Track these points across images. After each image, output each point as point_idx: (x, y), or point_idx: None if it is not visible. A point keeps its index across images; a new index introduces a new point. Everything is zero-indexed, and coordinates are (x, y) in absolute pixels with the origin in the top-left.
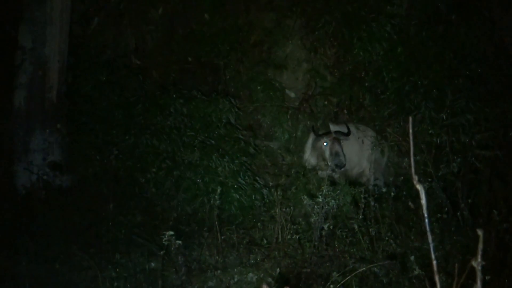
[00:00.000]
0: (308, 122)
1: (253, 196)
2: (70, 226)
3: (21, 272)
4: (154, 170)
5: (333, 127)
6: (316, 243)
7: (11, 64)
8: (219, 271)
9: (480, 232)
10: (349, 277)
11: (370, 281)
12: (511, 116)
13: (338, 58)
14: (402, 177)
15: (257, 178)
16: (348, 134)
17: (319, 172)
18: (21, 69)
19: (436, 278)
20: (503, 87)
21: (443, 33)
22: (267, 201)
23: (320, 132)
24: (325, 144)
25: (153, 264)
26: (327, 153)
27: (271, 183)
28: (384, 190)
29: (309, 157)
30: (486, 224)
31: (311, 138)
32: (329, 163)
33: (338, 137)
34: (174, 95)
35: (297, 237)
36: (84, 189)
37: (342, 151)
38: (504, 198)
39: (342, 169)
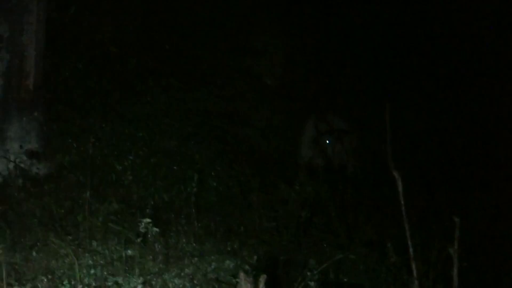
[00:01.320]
0: (285, 109)
1: (230, 183)
2: (47, 213)
3: None
4: (131, 157)
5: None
6: (293, 230)
7: None
8: (196, 259)
9: (456, 219)
10: (326, 264)
11: (348, 268)
12: (489, 104)
13: (315, 44)
14: (379, 164)
15: (234, 165)
16: (348, 130)
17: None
18: None
19: (413, 265)
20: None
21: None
22: (245, 188)
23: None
24: (327, 142)
25: (130, 252)
26: (329, 151)
27: (248, 170)
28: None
29: (306, 151)
30: (463, 211)
31: (308, 132)
32: (331, 160)
33: (340, 136)
34: (151, 83)
35: (274, 224)
36: (61, 177)
37: (344, 149)
38: (480, 185)
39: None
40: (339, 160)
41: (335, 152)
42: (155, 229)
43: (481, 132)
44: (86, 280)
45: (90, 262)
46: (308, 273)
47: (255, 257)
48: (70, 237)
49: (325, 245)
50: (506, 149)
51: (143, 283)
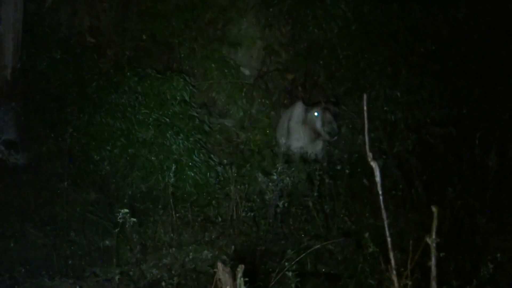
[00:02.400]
0: (263, 100)
1: (208, 173)
2: (25, 204)
3: None
4: (108, 148)
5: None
6: (271, 220)
7: None
8: (174, 249)
9: (434, 209)
10: (304, 254)
11: (325, 258)
12: (465, 93)
13: (293, 35)
14: (357, 155)
15: (212, 155)
16: (337, 104)
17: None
18: None
19: (391, 255)
20: (457, 65)
21: (397, 10)
22: (222, 178)
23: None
24: (316, 114)
25: (107, 242)
26: (318, 124)
27: (225, 161)
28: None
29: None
30: (441, 201)
31: (289, 114)
32: (322, 133)
33: (328, 107)
34: (128, 73)
35: (252, 214)
36: (39, 167)
37: (334, 120)
38: (458, 175)
39: (335, 138)
40: (331, 131)
41: (326, 123)
42: (133, 219)
43: (461, 122)
44: (63, 271)
45: (68, 252)
46: (286, 264)
47: (233, 247)
48: (47, 228)
49: (302, 235)
50: (485, 139)
51: (121, 274)
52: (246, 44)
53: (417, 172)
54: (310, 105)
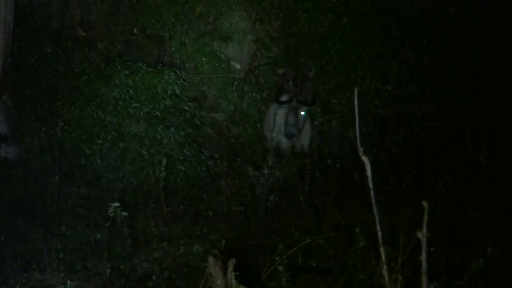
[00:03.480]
0: (254, 94)
1: (199, 167)
2: (16, 198)
3: None
4: (99, 141)
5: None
6: (261, 215)
7: None
8: (165, 243)
9: (425, 204)
10: (294, 249)
11: (316, 253)
12: (456, 87)
13: (284, 29)
14: (347, 149)
15: (203, 149)
16: (312, 103)
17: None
18: None
19: (381, 249)
20: (448, 59)
21: (388, 4)
22: (213, 172)
23: (284, 99)
24: (283, 112)
25: (98, 236)
26: (282, 123)
27: (216, 155)
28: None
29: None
30: (431, 196)
31: (272, 107)
32: (282, 133)
33: (297, 106)
34: (119, 67)
35: (243, 209)
36: (30, 161)
37: (298, 121)
38: (449, 170)
39: (293, 139)
40: (287, 134)
41: (286, 123)
42: (124, 213)
43: (452, 116)
44: (54, 264)
45: (59, 246)
46: (277, 258)
47: (224, 241)
48: (38, 221)
49: (293, 230)
50: (476, 133)
51: (112, 267)
52: (237, 38)
53: (408, 166)
54: (298, 101)
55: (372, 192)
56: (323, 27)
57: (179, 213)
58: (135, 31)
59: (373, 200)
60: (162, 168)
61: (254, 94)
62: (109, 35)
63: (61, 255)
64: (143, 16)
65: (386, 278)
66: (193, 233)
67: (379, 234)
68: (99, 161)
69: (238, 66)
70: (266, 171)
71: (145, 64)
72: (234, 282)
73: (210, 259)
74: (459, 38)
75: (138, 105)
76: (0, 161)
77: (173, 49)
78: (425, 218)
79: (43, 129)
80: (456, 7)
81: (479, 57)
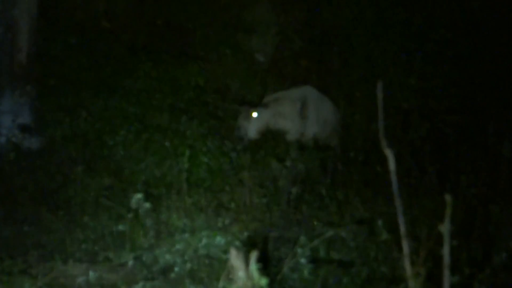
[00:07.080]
0: (277, 86)
1: (222, 159)
2: (39, 188)
3: None
4: (123, 132)
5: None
6: (284, 207)
7: None
8: (187, 234)
9: (448, 198)
10: (316, 241)
11: (338, 245)
12: (479, 81)
13: (307, 21)
14: (370, 142)
15: (226, 141)
16: (265, 106)
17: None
18: None
19: (404, 242)
20: (471, 52)
21: None
22: (235, 164)
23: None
24: (254, 115)
25: (121, 227)
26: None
27: (239, 147)
28: (351, 154)
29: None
30: (454, 189)
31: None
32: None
33: (247, 110)
34: (143, 58)
35: (265, 200)
36: (53, 152)
37: (248, 125)
38: (472, 164)
39: (243, 143)
40: (237, 137)
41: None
42: (146, 204)
43: (475, 110)
44: (77, 255)
45: (81, 236)
46: (299, 250)
47: (246, 233)
48: (61, 212)
49: (315, 222)
50: (499, 127)
51: (134, 258)
52: (261, 30)
53: (430, 160)
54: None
55: (394, 185)
56: (346, 19)
57: (202, 204)
58: (159, 22)
59: (395, 193)
60: (185, 159)
61: (277, 86)
62: (133, 26)
63: (83, 246)
64: (167, 8)
65: (408, 271)
66: (215, 225)
67: (402, 227)
68: (122, 152)
69: (261, 58)
70: (288, 163)
71: (169, 56)
72: (256, 274)
73: (232, 251)
74: (483, 32)
75: (162, 96)
76: (23, 151)
77: (197, 40)
78: (448, 212)
79: (67, 119)
80: (480, 0)
81: (503, 51)
